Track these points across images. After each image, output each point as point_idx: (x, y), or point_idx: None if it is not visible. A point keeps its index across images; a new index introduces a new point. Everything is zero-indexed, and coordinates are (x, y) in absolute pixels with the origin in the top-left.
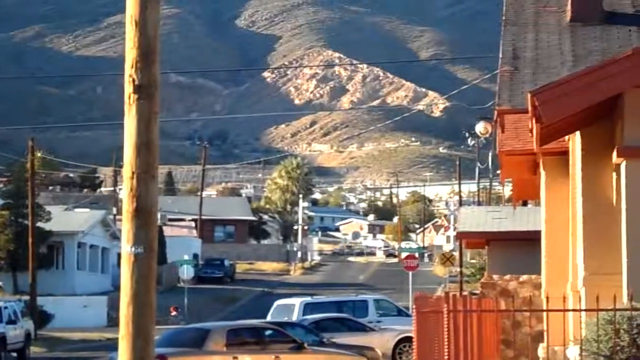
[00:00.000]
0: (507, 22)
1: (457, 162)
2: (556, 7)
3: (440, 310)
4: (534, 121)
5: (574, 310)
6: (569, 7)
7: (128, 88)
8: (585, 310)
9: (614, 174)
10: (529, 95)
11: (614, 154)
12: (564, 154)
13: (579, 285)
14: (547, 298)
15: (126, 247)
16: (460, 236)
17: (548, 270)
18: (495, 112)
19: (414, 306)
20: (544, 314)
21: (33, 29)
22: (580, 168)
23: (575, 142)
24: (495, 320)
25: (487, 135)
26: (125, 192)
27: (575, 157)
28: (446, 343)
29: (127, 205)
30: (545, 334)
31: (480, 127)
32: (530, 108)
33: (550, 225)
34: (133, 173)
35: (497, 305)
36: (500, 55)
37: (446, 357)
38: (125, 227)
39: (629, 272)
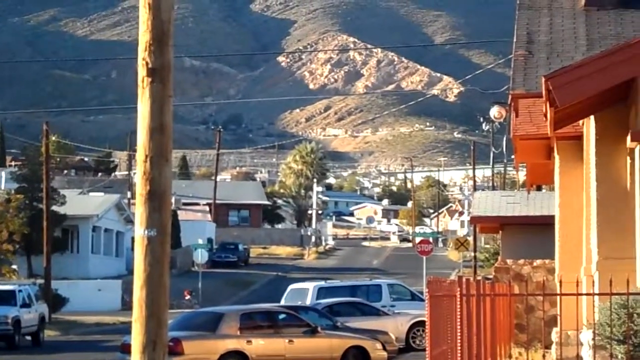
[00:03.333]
0: (521, 7)
1: (472, 147)
2: None
3: (454, 295)
4: (548, 105)
5: (587, 294)
6: None
7: (141, 71)
8: (599, 294)
9: (628, 158)
10: (543, 80)
11: (628, 138)
12: (578, 138)
13: (592, 269)
14: (561, 282)
15: (139, 230)
16: (475, 221)
17: (562, 254)
18: (510, 97)
19: (426, 290)
20: (557, 298)
21: (48, 13)
22: (594, 152)
23: (589, 127)
24: (509, 304)
25: (502, 120)
26: (138, 175)
27: (590, 141)
28: (459, 327)
29: (141, 188)
30: (558, 318)
31: (494, 112)
32: (544, 92)
33: (564, 210)
34: (146, 156)
35: (510, 290)
36: (515, 40)
37: (459, 342)
38: (139, 210)
39: None
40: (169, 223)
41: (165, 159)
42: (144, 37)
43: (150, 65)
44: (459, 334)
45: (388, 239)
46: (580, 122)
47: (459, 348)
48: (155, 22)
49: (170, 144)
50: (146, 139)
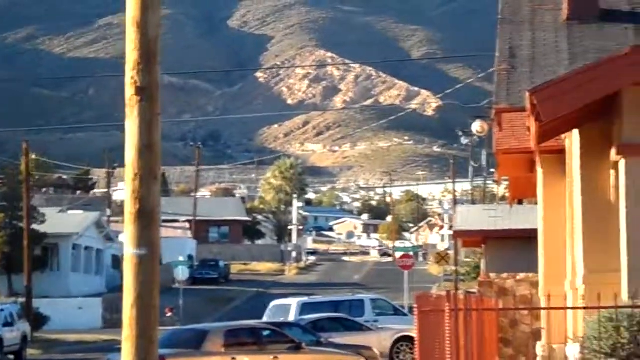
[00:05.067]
0: (503, 21)
1: (451, 161)
2: (552, 5)
3: (442, 309)
4: (532, 119)
5: (576, 308)
6: (565, 5)
7: (129, 90)
8: (588, 307)
9: (613, 171)
10: (527, 94)
11: (613, 151)
12: (561, 152)
13: (578, 283)
14: (549, 296)
15: (129, 249)
16: (457, 235)
17: (546, 268)
18: (493, 111)
19: (415, 305)
20: (541, 312)
21: (25, 31)
22: (579, 166)
23: (572, 140)
24: (495, 318)
25: (484, 134)
26: (127, 194)
27: (573, 154)
28: (448, 342)
29: (130, 207)
30: (543, 332)
31: (476, 126)
32: (528, 106)
33: (547, 223)
34: (135, 175)
35: (496, 304)
36: (497, 54)
37: (448, 356)
38: (128, 228)
39: (628, 270)
40: (159, 241)
41: (154, 177)
42: (131, 55)
43: (138, 84)
44: (448, 348)
45: (368, 253)
46: (563, 135)
47: None
48: (143, 41)
49: (158, 162)
50: (135, 157)
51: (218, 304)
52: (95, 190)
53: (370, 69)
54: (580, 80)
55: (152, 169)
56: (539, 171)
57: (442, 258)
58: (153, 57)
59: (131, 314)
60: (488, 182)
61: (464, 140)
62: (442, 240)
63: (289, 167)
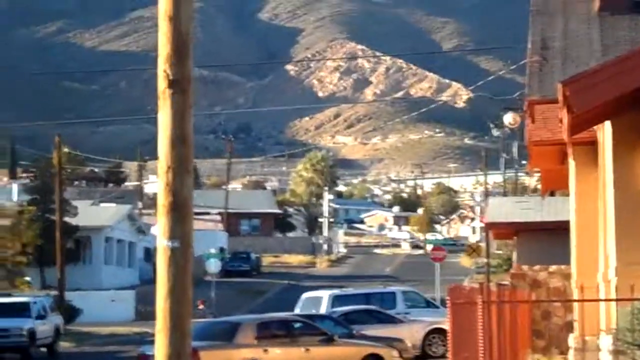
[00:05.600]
0: (535, 12)
1: (483, 153)
2: None
3: (475, 302)
4: (564, 111)
5: (609, 300)
6: None
7: (162, 83)
8: (621, 299)
9: None
10: (559, 86)
11: None
12: (593, 143)
13: (610, 275)
14: (582, 288)
15: (162, 241)
16: (489, 227)
17: (578, 260)
18: (526, 103)
19: (448, 297)
20: (574, 304)
21: (56, 25)
22: (611, 158)
23: (605, 132)
24: (528, 311)
25: (516, 126)
26: (160, 186)
27: (606, 146)
28: (481, 334)
29: (163, 199)
30: (575, 324)
31: (508, 118)
32: (560, 98)
33: (580, 215)
34: (168, 167)
35: (529, 296)
36: (529, 46)
37: (481, 348)
38: (161, 221)
39: None
40: (192, 234)
41: (186, 169)
42: (164, 49)
43: (170, 77)
44: (481, 340)
45: (399, 246)
46: (596, 127)
47: (481, 355)
48: (175, 34)
49: (191, 155)
50: (168, 149)
51: (249, 297)
52: (126, 183)
53: (401, 61)
54: (613, 72)
55: (184, 161)
56: (571, 163)
57: (473, 250)
58: (185, 50)
59: (164, 306)
60: (520, 174)
61: (496, 132)
62: (474, 232)
63: (319, 159)
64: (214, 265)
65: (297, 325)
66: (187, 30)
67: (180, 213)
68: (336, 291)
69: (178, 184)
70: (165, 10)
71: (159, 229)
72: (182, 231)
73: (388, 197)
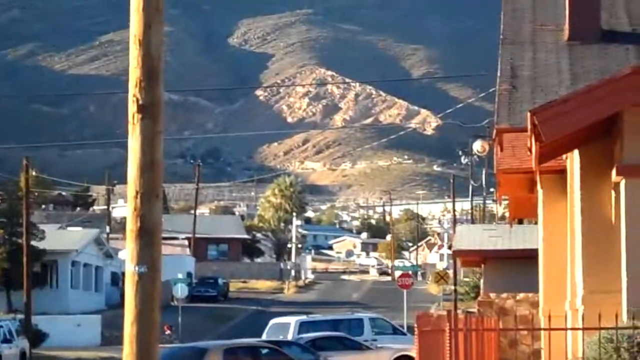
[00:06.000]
0: (504, 41)
1: (451, 180)
2: (554, 26)
3: (442, 329)
4: (533, 140)
5: (576, 329)
6: (566, 26)
7: (132, 107)
8: (588, 328)
9: (613, 192)
10: (528, 114)
11: (613, 172)
12: (562, 172)
13: (577, 303)
14: (549, 317)
15: (130, 266)
16: (457, 254)
17: (545, 288)
18: (494, 131)
19: (415, 325)
20: (541, 332)
21: (26, 47)
22: (579, 186)
23: (573, 161)
24: (495, 339)
25: (484, 154)
26: (129, 212)
27: (574, 175)
28: None
29: (132, 224)
30: (542, 352)
31: (477, 146)
32: (529, 127)
33: (547, 243)
34: (137, 192)
35: (497, 324)
36: (499, 74)
37: None
38: (129, 246)
39: (628, 290)
40: (160, 259)
41: (155, 195)
42: (134, 73)
43: (140, 102)
44: None
45: (367, 272)
46: (564, 155)
47: None
48: (146, 59)
49: (160, 180)
50: (137, 175)
51: (217, 322)
52: (94, 207)
53: (371, 87)
54: (582, 101)
55: (153, 187)
56: (540, 191)
57: (441, 277)
58: (156, 75)
59: (132, 331)
60: (487, 201)
61: (464, 160)
62: (441, 259)
63: (288, 185)
64: (181, 290)
65: (264, 351)
66: (158, 54)
67: (148, 238)
68: (303, 317)
69: (147, 209)
70: (135, 34)
71: (128, 254)
72: (150, 256)
73: (356, 223)
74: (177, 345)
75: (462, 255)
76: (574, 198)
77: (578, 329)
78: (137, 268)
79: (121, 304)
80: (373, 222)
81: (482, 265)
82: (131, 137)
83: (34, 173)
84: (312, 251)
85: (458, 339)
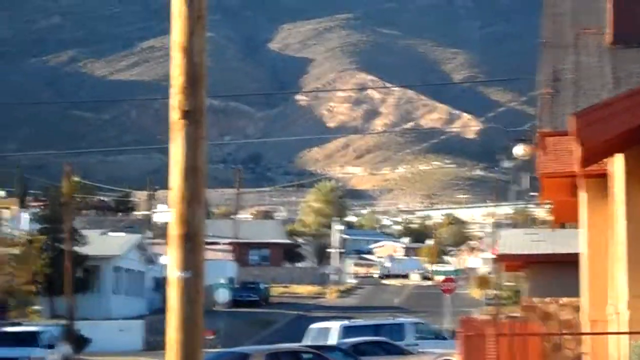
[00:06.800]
0: (547, 45)
1: (494, 185)
2: (596, 30)
3: (486, 334)
4: (576, 143)
5: (620, 333)
6: (608, 29)
7: (175, 114)
8: (632, 332)
9: None
10: (571, 118)
11: None
12: (605, 176)
13: (621, 308)
14: (592, 321)
15: (174, 272)
16: (500, 259)
17: (589, 293)
18: (537, 135)
19: (459, 329)
20: (585, 336)
21: (67, 54)
22: (623, 190)
23: (616, 164)
24: (539, 343)
25: (526, 158)
26: (172, 218)
27: (617, 179)
28: None
29: (175, 230)
30: (586, 356)
31: (520, 150)
32: (572, 130)
33: (590, 247)
34: (181, 198)
35: (541, 329)
36: (541, 78)
37: None
38: (173, 252)
39: None
40: (203, 264)
41: (198, 201)
42: (177, 80)
43: (184, 108)
44: None
45: (408, 277)
46: (606, 159)
47: None
48: (189, 65)
49: (203, 186)
50: (180, 180)
51: (258, 327)
52: (136, 213)
53: (411, 91)
54: (625, 104)
55: (197, 192)
56: (582, 195)
57: (484, 282)
58: (199, 81)
59: (176, 337)
60: (530, 205)
61: (506, 164)
62: (483, 263)
63: (329, 189)
64: (222, 295)
65: (306, 356)
66: (201, 61)
67: (192, 244)
68: (345, 322)
69: (190, 215)
70: (178, 42)
71: (171, 259)
72: (194, 262)
73: (398, 227)
74: (219, 350)
75: (505, 259)
76: (617, 202)
77: (623, 333)
78: (181, 273)
79: (163, 309)
80: (414, 226)
81: (525, 270)
82: (174, 143)
83: (75, 179)
84: (354, 256)
85: (502, 343)
